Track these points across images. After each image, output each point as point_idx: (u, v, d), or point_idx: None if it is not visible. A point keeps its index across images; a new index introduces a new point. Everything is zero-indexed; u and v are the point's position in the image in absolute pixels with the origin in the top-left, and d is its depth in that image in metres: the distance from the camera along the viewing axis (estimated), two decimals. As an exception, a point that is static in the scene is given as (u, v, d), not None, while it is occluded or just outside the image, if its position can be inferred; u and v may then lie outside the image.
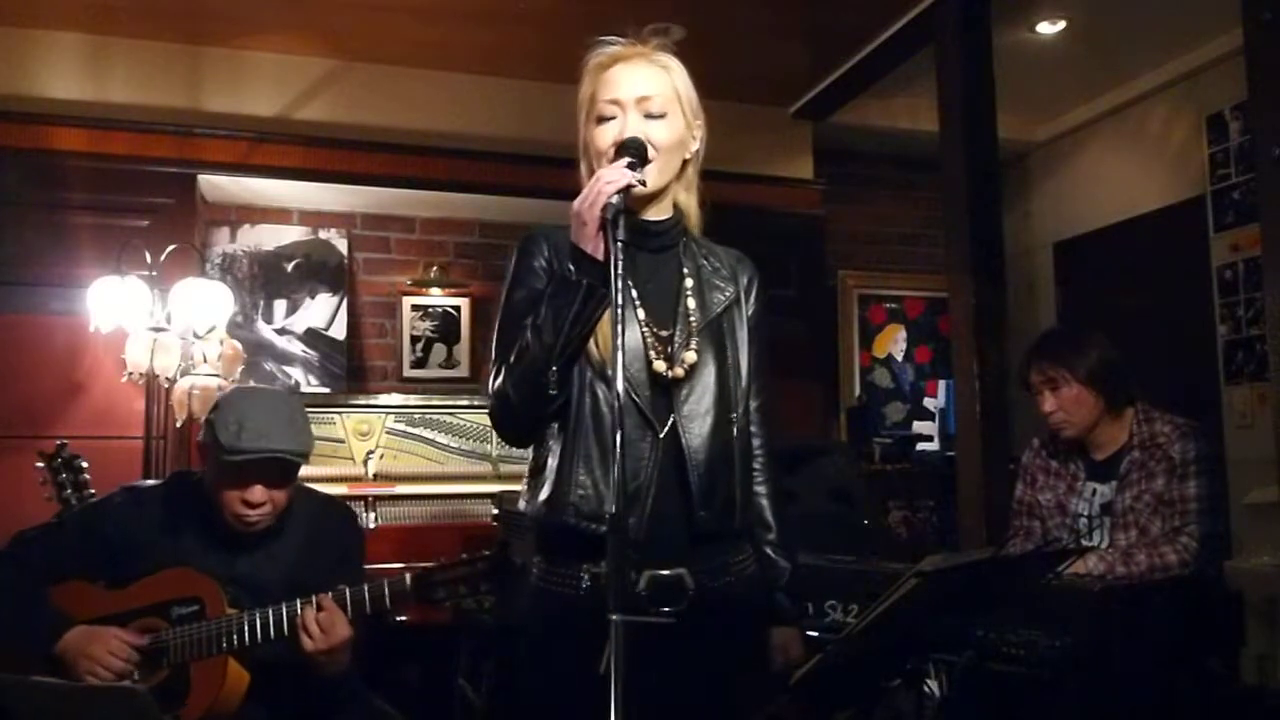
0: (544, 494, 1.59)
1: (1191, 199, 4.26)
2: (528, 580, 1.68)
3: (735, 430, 1.65)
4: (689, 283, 1.69)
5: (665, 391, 1.60)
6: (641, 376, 1.59)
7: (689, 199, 1.73)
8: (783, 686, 1.76)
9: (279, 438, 2.15)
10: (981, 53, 3.54)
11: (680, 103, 1.66)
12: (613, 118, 1.62)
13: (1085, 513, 2.64)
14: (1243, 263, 3.98)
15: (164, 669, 2.09)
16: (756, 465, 1.75)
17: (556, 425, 1.61)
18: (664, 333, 1.63)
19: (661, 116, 1.62)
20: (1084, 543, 2.57)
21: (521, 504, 1.69)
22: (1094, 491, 2.64)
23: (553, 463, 1.59)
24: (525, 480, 1.69)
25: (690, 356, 1.63)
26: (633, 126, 1.60)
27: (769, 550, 1.74)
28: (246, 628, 2.06)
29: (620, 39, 1.68)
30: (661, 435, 1.58)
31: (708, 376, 1.64)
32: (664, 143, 1.61)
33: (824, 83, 4.37)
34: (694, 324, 1.66)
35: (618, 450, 1.30)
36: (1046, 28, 4.04)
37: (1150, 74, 4.43)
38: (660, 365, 1.60)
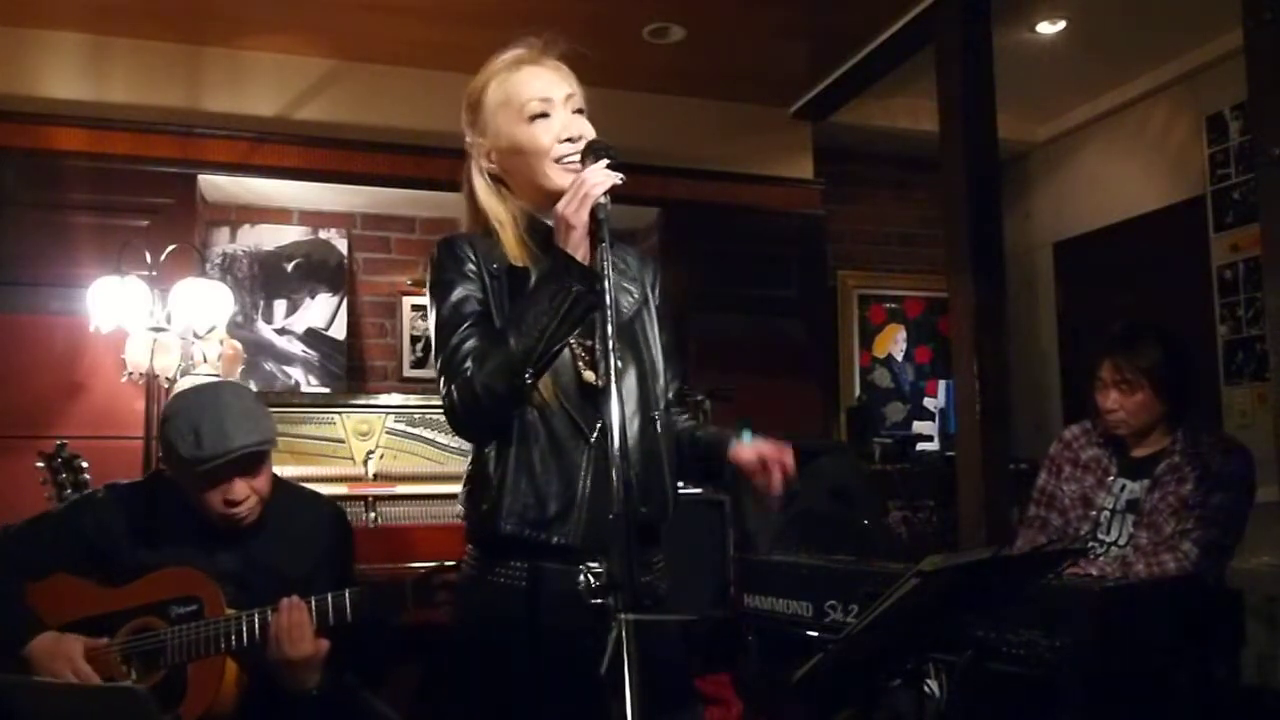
0: (487, 503, 1.60)
1: (1191, 199, 4.26)
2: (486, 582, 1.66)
3: (659, 429, 1.69)
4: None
5: (592, 399, 1.62)
6: (572, 387, 1.61)
7: None
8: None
9: (240, 434, 2.09)
10: (981, 53, 3.54)
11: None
12: (545, 114, 1.65)
13: (1110, 507, 2.60)
14: (1243, 263, 3.99)
15: (161, 669, 2.07)
16: (683, 421, 1.84)
17: None
18: (588, 342, 1.65)
19: (582, 112, 1.68)
20: (1100, 537, 2.56)
21: (460, 511, 1.69)
22: (1123, 487, 2.60)
23: (496, 471, 1.60)
24: (462, 488, 1.69)
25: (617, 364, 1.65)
26: (567, 121, 1.64)
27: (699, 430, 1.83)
28: (245, 628, 2.03)
29: (518, 47, 1.75)
30: (590, 442, 1.60)
31: (630, 382, 1.67)
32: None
33: (824, 83, 4.36)
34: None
35: (615, 454, 1.32)
36: (1046, 28, 4.04)
37: (1150, 74, 4.43)
38: (589, 375, 1.62)
